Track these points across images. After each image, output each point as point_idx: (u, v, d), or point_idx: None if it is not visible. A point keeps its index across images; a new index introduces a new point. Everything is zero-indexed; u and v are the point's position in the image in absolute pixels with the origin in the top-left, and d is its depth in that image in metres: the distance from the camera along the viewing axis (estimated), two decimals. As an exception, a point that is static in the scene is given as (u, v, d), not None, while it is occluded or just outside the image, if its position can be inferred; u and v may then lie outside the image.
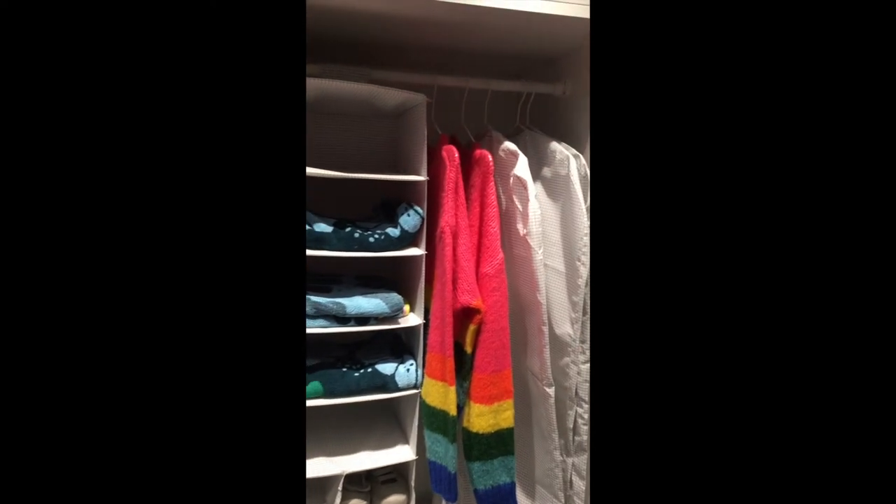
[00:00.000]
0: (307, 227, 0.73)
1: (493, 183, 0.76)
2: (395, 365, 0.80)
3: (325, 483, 0.86)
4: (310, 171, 0.72)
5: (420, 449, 0.82)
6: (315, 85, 0.73)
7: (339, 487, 0.80)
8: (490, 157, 0.76)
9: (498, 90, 0.86)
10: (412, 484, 0.85)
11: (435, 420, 0.76)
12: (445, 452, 0.76)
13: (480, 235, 0.77)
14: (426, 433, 0.78)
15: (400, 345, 0.89)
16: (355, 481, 0.87)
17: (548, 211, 0.82)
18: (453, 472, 0.76)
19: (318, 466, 0.80)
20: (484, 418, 0.76)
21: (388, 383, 0.79)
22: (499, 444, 0.77)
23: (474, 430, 0.76)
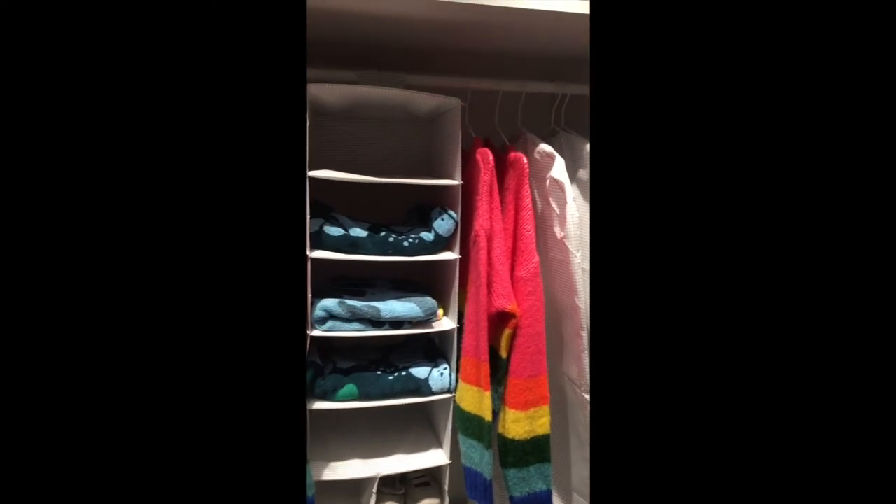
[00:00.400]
0: (343, 231, 0.72)
1: (528, 185, 0.73)
2: (428, 369, 0.78)
3: (360, 485, 0.85)
4: (344, 176, 0.72)
5: (454, 453, 0.80)
6: (351, 91, 0.73)
7: (374, 490, 0.79)
8: (525, 160, 0.73)
9: (532, 92, 0.83)
10: (446, 488, 0.83)
11: (470, 425, 0.74)
12: (481, 458, 0.74)
13: (515, 239, 0.75)
14: (461, 439, 0.76)
15: (433, 349, 0.87)
16: (389, 484, 0.86)
17: (584, 213, 0.79)
18: (489, 478, 0.74)
19: (352, 468, 0.79)
20: (520, 424, 0.73)
21: (421, 387, 0.77)
22: (535, 450, 0.74)
23: (510, 437, 0.74)
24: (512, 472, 0.74)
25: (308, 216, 0.70)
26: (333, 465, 0.79)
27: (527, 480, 0.74)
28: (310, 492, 0.70)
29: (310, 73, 0.74)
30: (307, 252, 0.70)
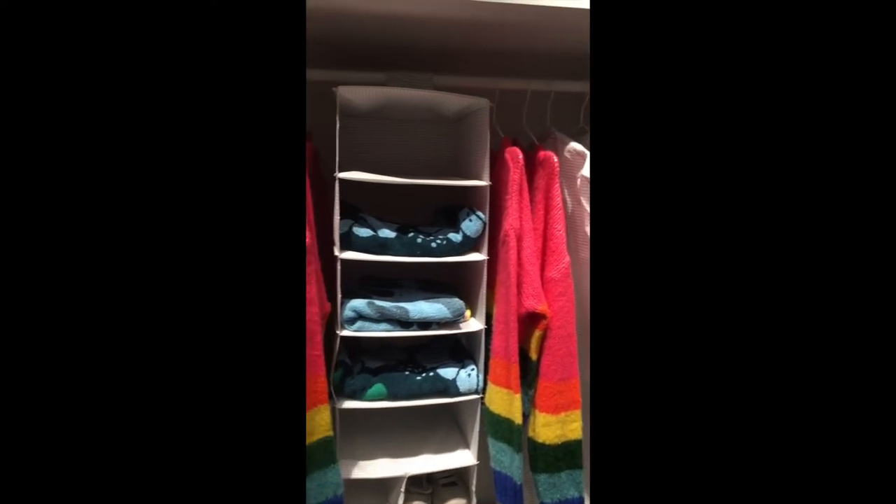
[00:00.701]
0: (372, 232, 0.70)
1: (558, 185, 0.70)
2: (456, 369, 0.76)
3: (388, 484, 0.83)
4: (373, 177, 0.70)
5: (481, 454, 0.77)
6: (380, 92, 0.71)
7: (402, 489, 0.77)
8: (555, 159, 0.70)
9: (561, 91, 0.80)
10: (473, 489, 0.80)
11: (499, 428, 0.71)
12: (511, 462, 0.70)
13: (545, 238, 0.71)
14: (490, 442, 0.73)
15: (460, 349, 0.84)
16: (416, 483, 0.83)
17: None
18: (519, 483, 0.70)
19: (380, 467, 0.77)
20: (550, 429, 0.69)
21: (449, 388, 0.74)
22: (566, 456, 0.70)
23: (540, 441, 0.70)
24: (542, 478, 0.71)
25: (338, 217, 0.69)
26: (362, 463, 0.77)
27: (558, 486, 0.70)
28: (339, 490, 0.69)
29: (339, 74, 0.72)
30: (336, 253, 0.68)
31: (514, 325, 0.68)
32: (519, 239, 0.69)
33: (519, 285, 0.69)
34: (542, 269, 0.71)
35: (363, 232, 0.70)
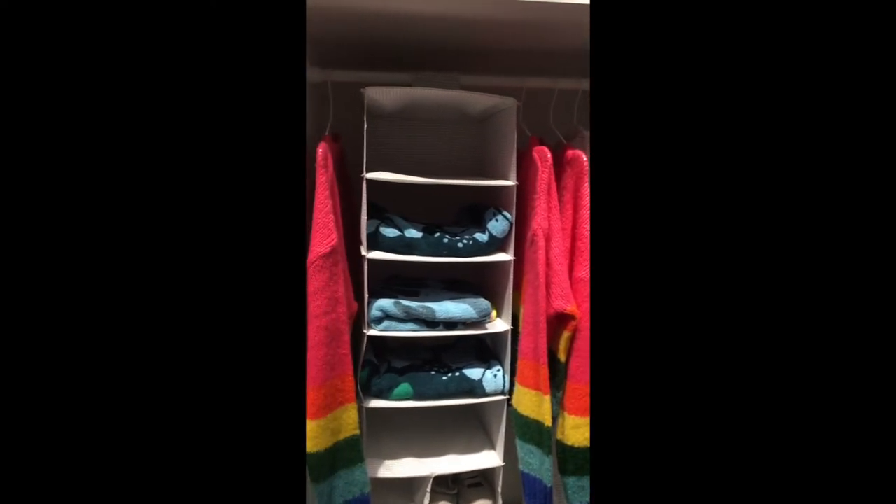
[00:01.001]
0: (399, 232, 0.69)
1: (587, 184, 0.67)
2: (482, 370, 0.74)
3: (414, 483, 0.82)
4: (400, 177, 0.69)
5: (507, 455, 0.75)
6: (406, 93, 0.70)
7: (428, 489, 0.75)
8: (584, 158, 0.68)
9: (588, 89, 0.77)
10: (499, 490, 0.78)
11: (528, 430, 0.68)
12: (540, 465, 0.68)
13: (574, 239, 0.69)
14: (518, 444, 0.71)
15: (485, 350, 0.82)
16: (442, 483, 0.82)
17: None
18: (549, 485, 0.68)
19: (406, 467, 0.76)
20: (580, 431, 0.67)
21: (475, 388, 0.73)
22: (596, 459, 0.68)
23: (569, 443, 0.68)
24: (571, 480, 0.68)
25: (365, 217, 0.68)
26: (388, 462, 0.76)
27: (587, 490, 0.68)
28: (365, 489, 0.68)
29: (365, 75, 0.71)
30: (364, 253, 0.68)
31: (542, 325, 0.66)
32: (547, 239, 0.67)
33: (548, 286, 0.67)
34: (571, 269, 0.69)
35: (390, 232, 0.69)
